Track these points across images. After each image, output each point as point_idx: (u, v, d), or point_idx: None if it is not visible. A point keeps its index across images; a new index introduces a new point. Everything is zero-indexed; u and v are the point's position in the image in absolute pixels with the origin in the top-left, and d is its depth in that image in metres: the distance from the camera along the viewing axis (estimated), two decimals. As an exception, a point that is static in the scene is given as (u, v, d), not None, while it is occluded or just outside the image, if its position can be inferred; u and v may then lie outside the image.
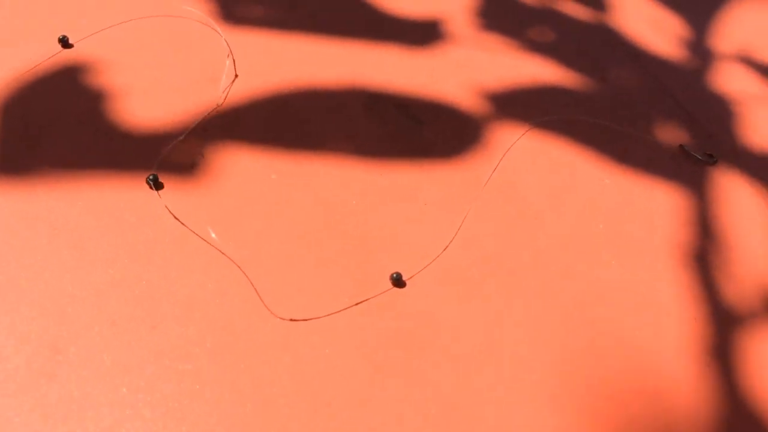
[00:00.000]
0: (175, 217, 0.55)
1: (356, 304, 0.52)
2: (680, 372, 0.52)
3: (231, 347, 0.48)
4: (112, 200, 0.55)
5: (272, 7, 0.78)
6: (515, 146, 0.66)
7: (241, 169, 0.60)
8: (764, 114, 0.76)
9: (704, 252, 0.60)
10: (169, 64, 0.68)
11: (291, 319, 0.50)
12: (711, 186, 0.66)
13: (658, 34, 0.85)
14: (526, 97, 0.73)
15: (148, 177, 0.57)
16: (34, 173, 0.56)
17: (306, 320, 0.50)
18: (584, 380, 0.50)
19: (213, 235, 0.54)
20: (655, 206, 0.63)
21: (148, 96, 0.64)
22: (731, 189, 0.66)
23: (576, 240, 0.59)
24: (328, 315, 0.51)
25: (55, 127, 0.60)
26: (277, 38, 0.74)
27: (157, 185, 0.57)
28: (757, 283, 0.59)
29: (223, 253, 0.53)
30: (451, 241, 0.57)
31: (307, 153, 0.62)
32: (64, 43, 0.68)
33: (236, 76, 0.68)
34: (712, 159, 0.68)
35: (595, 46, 0.82)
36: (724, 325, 0.55)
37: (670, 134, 0.71)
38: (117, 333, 0.47)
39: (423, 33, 0.79)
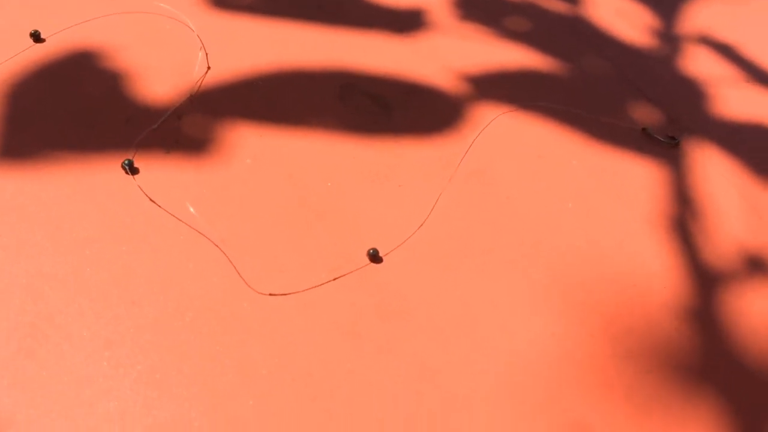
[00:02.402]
0: (151, 199, 0.55)
1: (334, 279, 0.53)
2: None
3: (210, 321, 0.48)
4: (89, 184, 0.56)
5: None
6: (487, 130, 0.68)
7: (215, 153, 0.60)
8: (728, 92, 0.79)
9: (679, 220, 0.62)
10: (143, 57, 0.68)
11: (270, 294, 0.51)
12: (677, 162, 0.68)
13: (626, 23, 0.88)
14: (499, 83, 0.74)
15: (123, 162, 0.57)
16: (9, 159, 0.56)
17: (285, 294, 0.51)
18: (559, 347, 0.51)
19: (192, 210, 0.54)
20: (622, 184, 0.65)
21: (121, 86, 0.65)
22: (699, 163, 0.68)
23: (546, 218, 0.61)
24: (306, 289, 0.52)
25: (30, 116, 0.60)
26: (254, 24, 0.75)
27: (133, 170, 0.57)
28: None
29: (199, 232, 0.53)
30: (426, 219, 0.58)
31: (282, 137, 0.63)
32: (36, 37, 0.68)
33: (209, 68, 0.69)
34: (674, 141, 0.70)
35: (566, 35, 0.84)
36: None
37: (634, 119, 0.73)
38: (96, 309, 0.48)
39: (402, 21, 0.80)
